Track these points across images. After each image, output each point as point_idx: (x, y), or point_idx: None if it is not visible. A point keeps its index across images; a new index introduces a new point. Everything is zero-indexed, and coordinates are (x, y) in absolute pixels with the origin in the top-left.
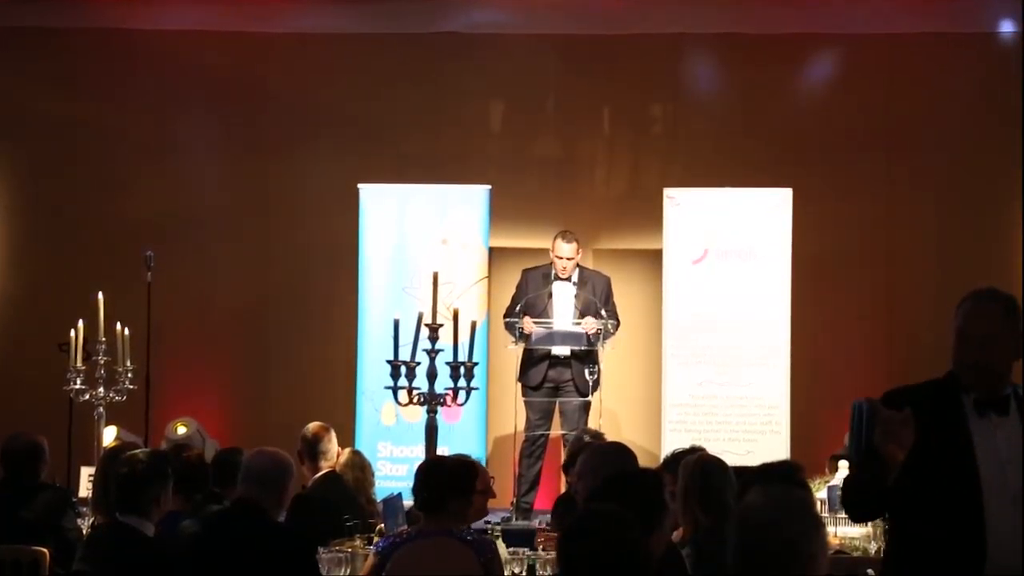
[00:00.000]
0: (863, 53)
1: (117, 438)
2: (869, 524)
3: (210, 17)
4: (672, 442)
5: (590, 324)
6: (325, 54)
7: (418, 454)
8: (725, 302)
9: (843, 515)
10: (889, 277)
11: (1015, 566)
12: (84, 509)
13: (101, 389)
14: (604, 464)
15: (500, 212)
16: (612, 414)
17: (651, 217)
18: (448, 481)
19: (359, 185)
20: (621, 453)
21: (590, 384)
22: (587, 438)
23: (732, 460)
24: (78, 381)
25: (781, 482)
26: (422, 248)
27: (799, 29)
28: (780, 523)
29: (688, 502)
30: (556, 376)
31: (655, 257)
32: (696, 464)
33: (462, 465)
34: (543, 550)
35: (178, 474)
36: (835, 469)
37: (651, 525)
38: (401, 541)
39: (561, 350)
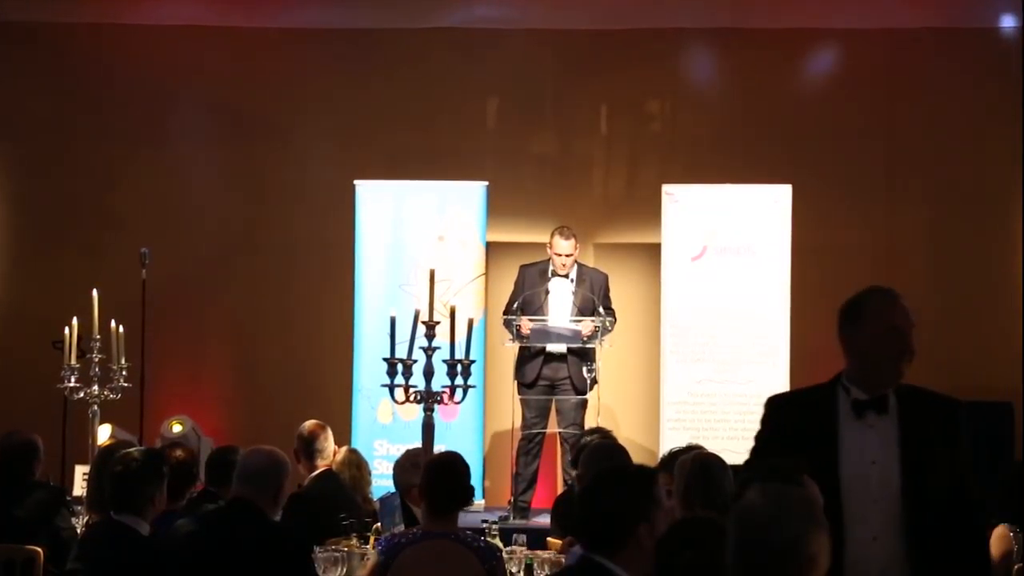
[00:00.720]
0: (863, 48)
1: (112, 436)
2: None
3: (204, 12)
4: (671, 440)
5: (587, 327)
6: (320, 49)
7: None
8: (724, 299)
9: None
10: (888, 273)
11: (871, 571)
12: (78, 508)
13: (96, 387)
14: (598, 461)
15: (497, 208)
16: (610, 412)
17: (650, 213)
18: (462, 491)
19: (355, 181)
20: (612, 450)
21: (588, 382)
22: (588, 438)
23: (731, 458)
24: (72, 379)
25: (781, 481)
26: (419, 245)
27: (798, 24)
28: (780, 522)
29: (688, 500)
30: (551, 373)
31: (654, 253)
32: (695, 461)
33: (468, 471)
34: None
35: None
36: None
37: (638, 519)
38: (406, 542)
39: (557, 347)
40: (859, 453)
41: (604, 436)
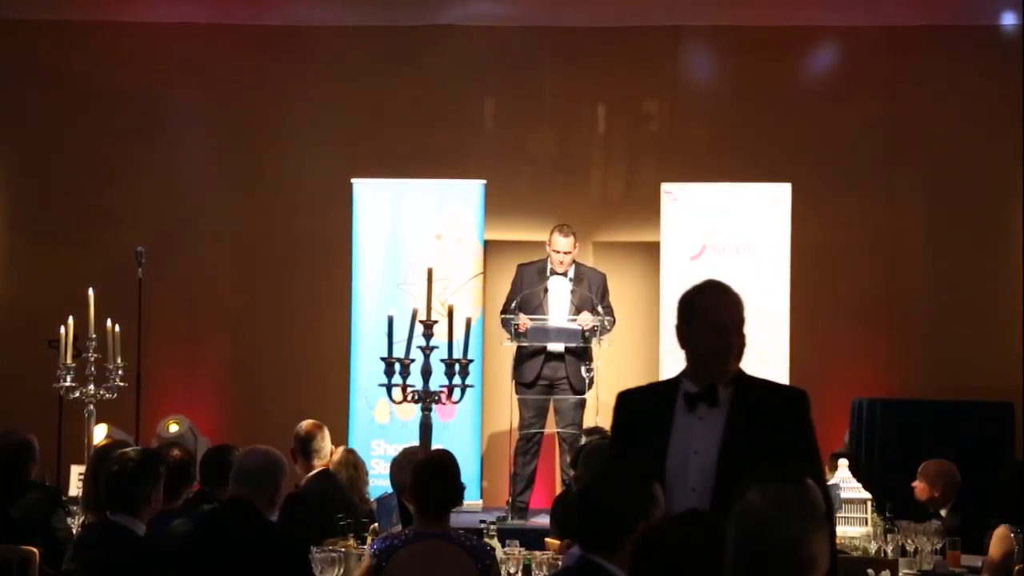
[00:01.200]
0: (863, 46)
1: (108, 436)
2: (868, 524)
3: (200, 9)
4: None
5: (586, 320)
6: (317, 47)
7: None
8: None
9: (843, 514)
10: (889, 272)
11: None
12: (74, 508)
13: (91, 387)
14: (597, 461)
15: (495, 207)
16: (608, 411)
17: (648, 212)
18: (453, 491)
19: (352, 180)
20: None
21: (586, 381)
22: (587, 438)
23: None
24: (68, 378)
25: (782, 480)
26: (416, 243)
27: (798, 22)
28: (780, 523)
29: None
30: (550, 373)
31: (653, 252)
32: None
33: (458, 470)
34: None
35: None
36: (835, 467)
37: (637, 518)
38: (399, 543)
39: (555, 346)
40: (684, 444)
41: (603, 436)
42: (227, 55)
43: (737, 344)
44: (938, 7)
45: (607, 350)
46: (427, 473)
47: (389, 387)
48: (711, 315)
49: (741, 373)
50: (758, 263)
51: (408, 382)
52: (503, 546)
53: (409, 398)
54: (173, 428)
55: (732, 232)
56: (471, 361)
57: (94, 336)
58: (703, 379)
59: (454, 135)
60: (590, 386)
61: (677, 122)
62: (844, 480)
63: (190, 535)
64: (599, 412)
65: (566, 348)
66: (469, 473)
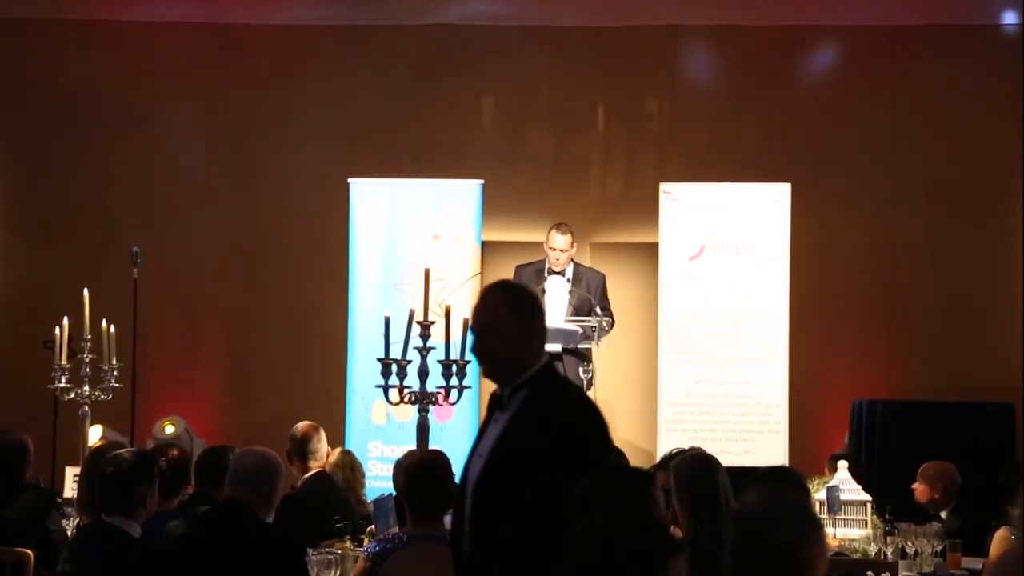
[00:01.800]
0: (863, 45)
1: (103, 437)
2: (868, 526)
3: (196, 8)
4: (668, 442)
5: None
6: (314, 46)
7: None
8: (722, 299)
9: (842, 516)
10: (889, 273)
11: (475, 553)
12: (69, 510)
13: (86, 387)
14: None
15: (493, 207)
16: (606, 413)
17: (647, 212)
18: (447, 492)
19: (349, 180)
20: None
21: (584, 383)
22: None
23: (729, 460)
24: (63, 379)
25: (778, 483)
26: (414, 244)
27: (797, 21)
28: (778, 525)
29: (683, 503)
30: None
31: (651, 252)
32: (694, 462)
33: (451, 471)
34: None
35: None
36: (834, 469)
37: None
38: (393, 546)
39: (552, 347)
40: (479, 446)
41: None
42: (223, 54)
43: (491, 347)
44: (938, 6)
45: (605, 352)
46: (420, 475)
47: (386, 388)
48: (472, 317)
49: (539, 378)
50: (757, 263)
51: (405, 383)
52: None
53: (406, 399)
54: (169, 429)
55: (731, 232)
56: (468, 362)
57: (89, 337)
58: (496, 381)
59: (452, 135)
60: (588, 387)
61: (676, 122)
62: (844, 482)
63: (186, 537)
64: None
65: (563, 349)
66: (455, 472)
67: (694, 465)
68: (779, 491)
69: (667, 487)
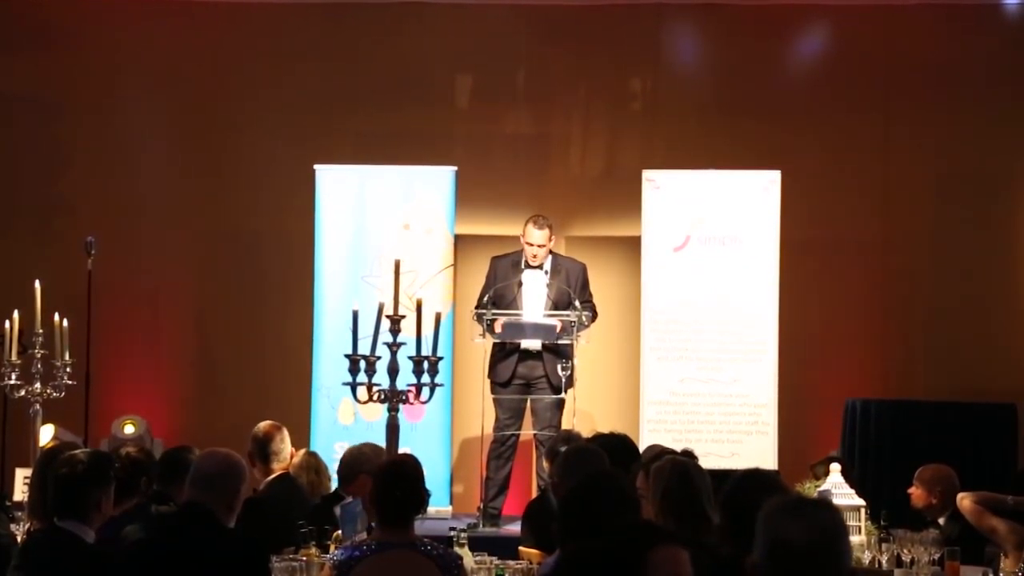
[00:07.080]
0: (858, 24)
1: (55, 437)
2: (862, 532)
3: None
4: (651, 442)
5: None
6: (279, 24)
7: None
8: (708, 292)
9: None
10: (884, 265)
11: None
12: (19, 514)
13: (38, 385)
14: (574, 467)
15: (467, 195)
16: (587, 413)
17: (629, 201)
18: (416, 497)
19: (315, 166)
20: (589, 455)
21: (563, 380)
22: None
23: (716, 462)
24: (13, 376)
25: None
26: (383, 234)
27: None
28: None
29: (665, 507)
30: (526, 372)
31: (633, 244)
32: (673, 467)
33: (422, 475)
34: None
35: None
36: (827, 472)
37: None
38: (360, 554)
39: (532, 344)
40: None
41: (577, 440)
42: (183, 34)
43: None
44: None
45: (586, 348)
46: (388, 479)
47: (353, 386)
48: None
49: None
50: (746, 255)
51: (374, 381)
52: (474, 555)
53: (375, 398)
54: (129, 429)
55: (718, 222)
56: (441, 359)
57: (41, 331)
58: None
59: (424, 118)
60: (568, 386)
61: (660, 106)
62: (836, 486)
63: (143, 543)
64: (576, 414)
65: (543, 345)
66: (438, 477)
67: (670, 474)
68: (821, 515)
69: (644, 492)
